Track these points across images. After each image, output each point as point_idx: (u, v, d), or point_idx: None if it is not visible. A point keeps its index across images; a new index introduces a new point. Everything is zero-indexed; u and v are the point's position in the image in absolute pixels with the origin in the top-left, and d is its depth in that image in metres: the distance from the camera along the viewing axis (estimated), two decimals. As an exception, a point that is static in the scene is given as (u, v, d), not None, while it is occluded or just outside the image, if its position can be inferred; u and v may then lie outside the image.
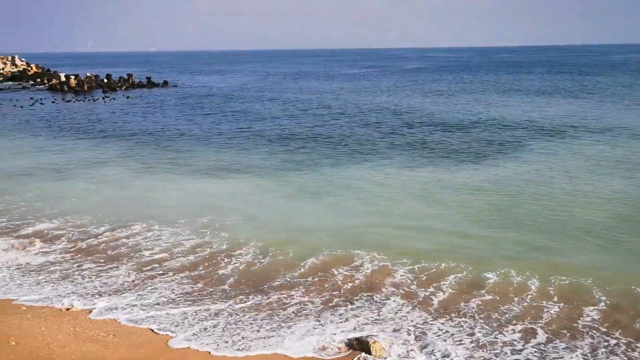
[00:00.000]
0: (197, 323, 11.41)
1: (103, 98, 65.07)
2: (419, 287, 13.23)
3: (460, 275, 13.85)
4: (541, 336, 10.98)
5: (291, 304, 12.45)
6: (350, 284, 13.43)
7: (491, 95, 60.16)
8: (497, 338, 10.92)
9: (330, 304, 12.41)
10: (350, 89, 74.55)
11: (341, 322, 11.63)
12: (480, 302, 12.44)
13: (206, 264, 14.74)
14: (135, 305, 12.26)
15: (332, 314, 11.98)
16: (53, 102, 61.26)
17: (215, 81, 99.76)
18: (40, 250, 15.79)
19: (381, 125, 39.29)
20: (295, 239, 16.52)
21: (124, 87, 79.73)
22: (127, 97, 65.71)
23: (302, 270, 14.31)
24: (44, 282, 13.52)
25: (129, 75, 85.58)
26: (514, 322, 11.54)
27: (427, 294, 12.88)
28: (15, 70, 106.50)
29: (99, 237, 16.87)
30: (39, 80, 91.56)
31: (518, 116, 42.13)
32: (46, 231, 17.40)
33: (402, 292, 12.99)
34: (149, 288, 13.24)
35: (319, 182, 23.45)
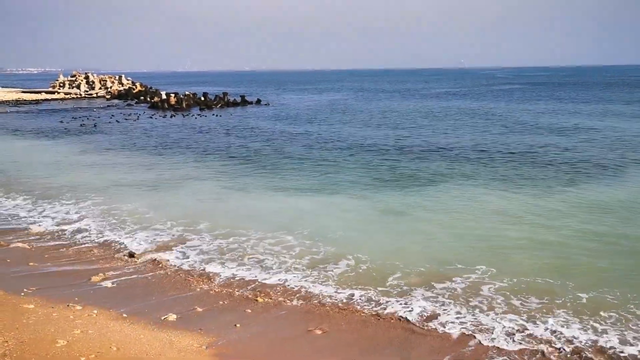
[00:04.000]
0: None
1: (199, 115, 68.06)
2: (518, 310, 12.67)
3: (564, 298, 13.28)
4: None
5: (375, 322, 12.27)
6: (451, 300, 13.30)
7: (592, 114, 57.20)
8: None
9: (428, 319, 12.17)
10: (441, 107, 73.50)
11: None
12: (585, 326, 11.88)
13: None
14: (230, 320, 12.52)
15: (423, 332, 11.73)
16: (150, 117, 64.75)
17: (308, 99, 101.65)
18: (143, 260, 16.52)
19: (474, 144, 38.32)
20: (386, 258, 16.32)
21: (219, 105, 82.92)
22: (220, 116, 68.22)
23: (391, 287, 14.09)
24: (144, 294, 14.09)
25: (224, 94, 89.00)
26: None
27: (529, 317, 12.35)
28: (122, 88, 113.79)
29: (196, 247, 17.45)
30: (142, 98, 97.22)
31: (622, 136, 39.71)
32: (148, 243, 18.21)
33: (501, 309, 12.50)
34: (236, 303, 13.52)
35: (409, 201, 23.15)
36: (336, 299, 13.71)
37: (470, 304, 13.32)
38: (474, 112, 67.18)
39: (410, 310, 12.96)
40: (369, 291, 14.10)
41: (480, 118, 59.02)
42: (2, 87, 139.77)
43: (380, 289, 14.25)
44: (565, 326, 12.08)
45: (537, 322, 12.30)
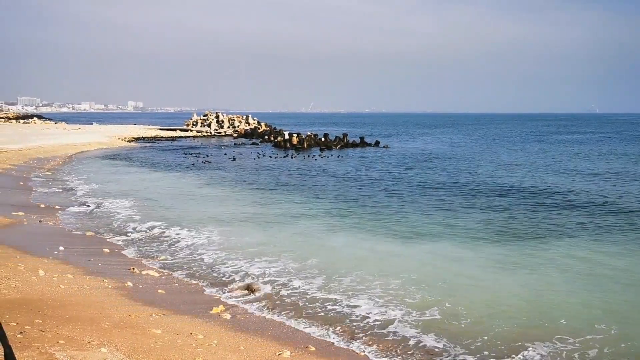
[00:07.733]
0: None
1: (320, 156, 69.86)
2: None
3: None
4: None
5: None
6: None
7: None
8: None
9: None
10: (570, 157, 69.79)
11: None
12: None
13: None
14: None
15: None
16: (271, 156, 67.46)
17: (427, 142, 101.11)
18: (260, 294, 17.05)
19: (613, 195, 35.77)
20: (495, 312, 15.56)
21: (339, 145, 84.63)
22: (340, 157, 69.52)
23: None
24: (260, 328, 14.48)
25: (344, 135, 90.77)
26: None
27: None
28: (248, 127, 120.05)
29: (309, 285, 17.72)
30: (266, 137, 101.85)
31: None
32: (266, 278, 18.80)
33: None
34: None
35: (521, 254, 22.06)
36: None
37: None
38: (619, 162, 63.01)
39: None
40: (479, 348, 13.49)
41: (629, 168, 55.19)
42: (144, 124, 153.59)
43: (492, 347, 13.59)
44: None
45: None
